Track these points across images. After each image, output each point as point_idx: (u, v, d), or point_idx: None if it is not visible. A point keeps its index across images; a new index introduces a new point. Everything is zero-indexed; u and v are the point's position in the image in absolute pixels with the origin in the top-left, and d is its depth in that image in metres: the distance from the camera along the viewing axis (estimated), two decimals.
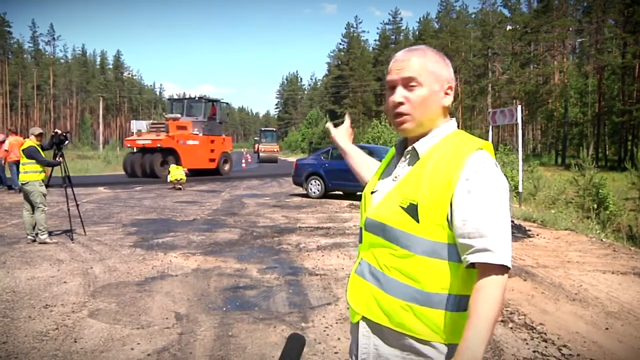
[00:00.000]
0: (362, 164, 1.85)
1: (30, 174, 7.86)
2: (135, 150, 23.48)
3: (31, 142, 8.02)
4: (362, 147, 16.03)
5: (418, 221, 1.30)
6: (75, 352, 3.77)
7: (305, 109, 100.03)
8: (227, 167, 26.07)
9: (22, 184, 7.97)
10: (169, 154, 22.39)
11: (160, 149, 22.20)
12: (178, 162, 21.53)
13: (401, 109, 1.38)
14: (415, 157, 1.42)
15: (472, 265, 1.27)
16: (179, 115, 24.14)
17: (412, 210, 1.31)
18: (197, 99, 25.52)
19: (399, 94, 1.38)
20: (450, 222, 1.29)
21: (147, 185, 19.24)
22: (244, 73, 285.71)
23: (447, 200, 1.29)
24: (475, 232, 1.25)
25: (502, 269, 1.24)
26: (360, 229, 1.49)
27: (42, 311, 4.68)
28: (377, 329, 1.39)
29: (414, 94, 1.37)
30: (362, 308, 1.41)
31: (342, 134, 1.90)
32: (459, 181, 1.29)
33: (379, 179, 1.52)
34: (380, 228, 1.38)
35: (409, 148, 1.44)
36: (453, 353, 1.26)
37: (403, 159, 1.45)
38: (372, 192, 1.50)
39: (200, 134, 24.15)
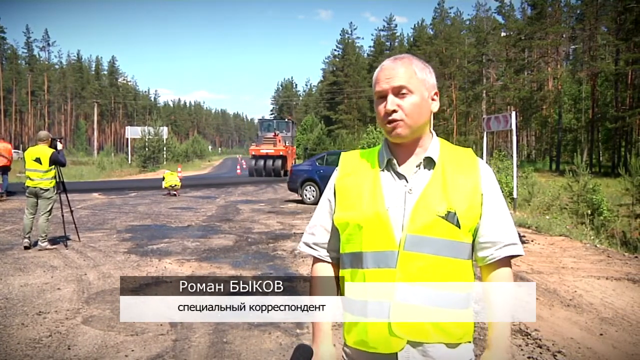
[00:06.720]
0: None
1: (51, 180, 7.78)
2: (255, 157, 30.63)
3: (47, 148, 7.74)
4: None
5: (459, 227, 1.37)
6: (68, 359, 3.75)
7: (300, 115, 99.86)
8: None
9: (43, 189, 7.70)
10: (284, 160, 30.23)
11: (280, 156, 30.22)
12: (285, 166, 29.27)
13: (394, 115, 1.39)
14: (431, 164, 1.44)
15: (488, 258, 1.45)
16: (277, 132, 33.16)
17: (451, 218, 1.37)
18: (285, 120, 37.80)
19: (391, 102, 1.39)
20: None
21: (142, 191, 19.23)
22: (239, 79, 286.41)
23: (479, 203, 1.42)
24: (502, 229, 1.44)
25: (511, 259, 1.46)
26: (381, 253, 1.38)
27: (35, 318, 4.65)
28: (422, 352, 1.36)
29: (405, 101, 1.40)
30: (413, 333, 1.35)
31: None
32: (482, 183, 1.44)
33: (378, 199, 1.41)
34: (426, 242, 1.35)
35: (423, 159, 1.44)
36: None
37: (415, 169, 1.44)
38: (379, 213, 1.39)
39: (290, 145, 33.39)
